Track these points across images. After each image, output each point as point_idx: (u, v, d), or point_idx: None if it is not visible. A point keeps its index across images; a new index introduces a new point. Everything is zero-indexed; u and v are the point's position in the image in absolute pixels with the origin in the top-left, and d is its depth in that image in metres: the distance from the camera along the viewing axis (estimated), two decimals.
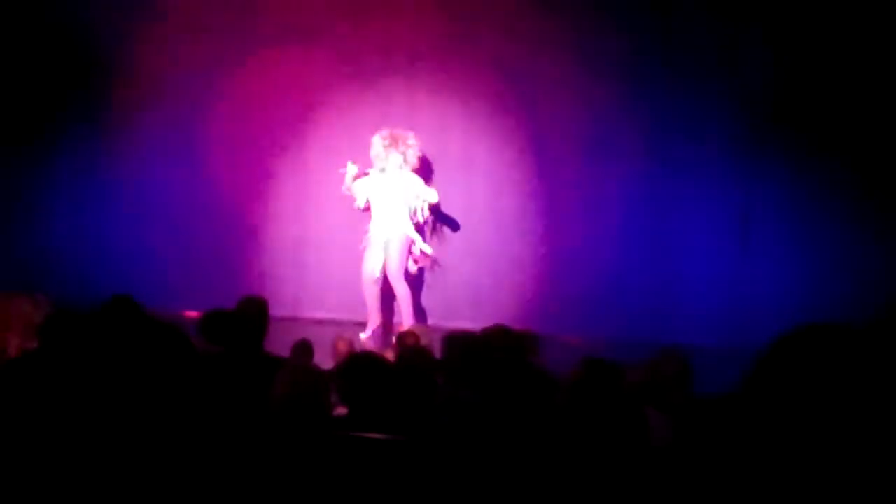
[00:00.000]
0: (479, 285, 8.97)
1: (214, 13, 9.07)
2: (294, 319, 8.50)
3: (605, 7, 8.79)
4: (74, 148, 9.09)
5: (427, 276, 8.96)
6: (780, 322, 1.76)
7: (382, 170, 8.43)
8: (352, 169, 8.42)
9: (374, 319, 8.44)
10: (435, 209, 8.83)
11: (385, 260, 8.39)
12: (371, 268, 8.40)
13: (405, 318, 8.30)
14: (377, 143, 8.43)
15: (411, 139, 8.47)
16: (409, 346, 5.32)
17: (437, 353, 4.76)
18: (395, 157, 8.40)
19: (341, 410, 3.77)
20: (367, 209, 8.51)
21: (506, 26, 8.89)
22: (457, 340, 4.52)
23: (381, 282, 8.45)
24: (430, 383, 4.27)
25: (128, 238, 9.03)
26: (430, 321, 8.54)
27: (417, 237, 8.54)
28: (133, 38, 9.05)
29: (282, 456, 2.60)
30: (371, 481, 2.61)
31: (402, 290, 8.40)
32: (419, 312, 8.79)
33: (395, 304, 8.67)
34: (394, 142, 8.42)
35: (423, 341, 5.98)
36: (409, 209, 8.49)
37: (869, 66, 8.32)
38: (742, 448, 1.33)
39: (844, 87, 8.38)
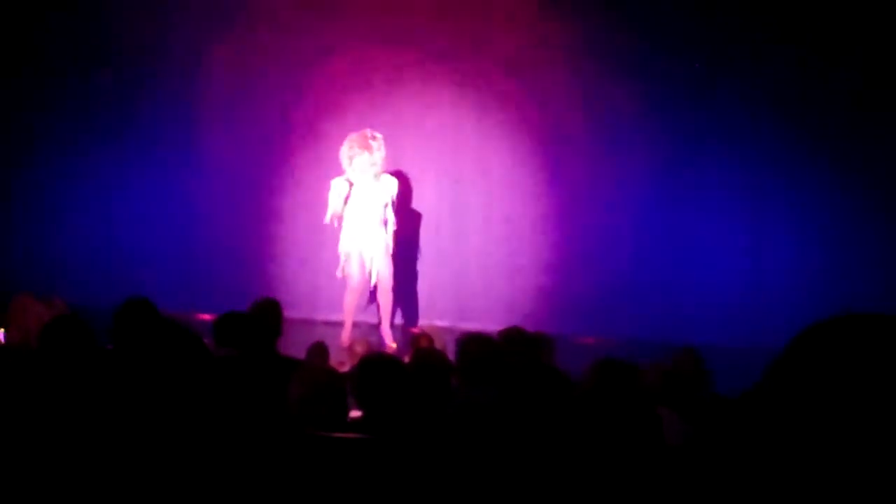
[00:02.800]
0: (493, 287, 8.97)
1: (226, 12, 9.09)
2: (309, 321, 8.52)
3: (618, 8, 8.78)
4: (88, 150, 9.12)
5: (440, 277, 8.98)
6: (796, 320, 1.75)
7: (354, 175, 8.07)
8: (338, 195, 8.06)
9: (349, 326, 8.20)
10: (444, 212, 8.84)
11: (377, 271, 8.15)
12: (357, 278, 8.13)
13: (385, 326, 8.22)
14: (344, 151, 8.09)
15: (378, 141, 8.07)
16: (424, 349, 5.31)
17: (452, 356, 4.75)
18: (362, 162, 8.02)
19: (356, 413, 3.77)
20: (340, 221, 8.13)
21: (518, 29, 8.90)
22: (471, 342, 4.51)
23: (366, 290, 8.28)
24: (444, 385, 4.26)
25: (142, 241, 9.05)
26: (443, 323, 8.52)
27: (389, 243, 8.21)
28: (145, 38, 9.07)
29: (297, 458, 2.60)
30: (386, 484, 2.60)
31: (390, 300, 8.28)
32: (414, 315, 8.85)
33: (398, 307, 8.70)
34: (360, 146, 8.05)
35: (438, 344, 5.98)
36: (382, 214, 8.14)
37: (879, 63, 8.33)
38: (760, 448, 1.31)
39: (857, 82, 8.37)
